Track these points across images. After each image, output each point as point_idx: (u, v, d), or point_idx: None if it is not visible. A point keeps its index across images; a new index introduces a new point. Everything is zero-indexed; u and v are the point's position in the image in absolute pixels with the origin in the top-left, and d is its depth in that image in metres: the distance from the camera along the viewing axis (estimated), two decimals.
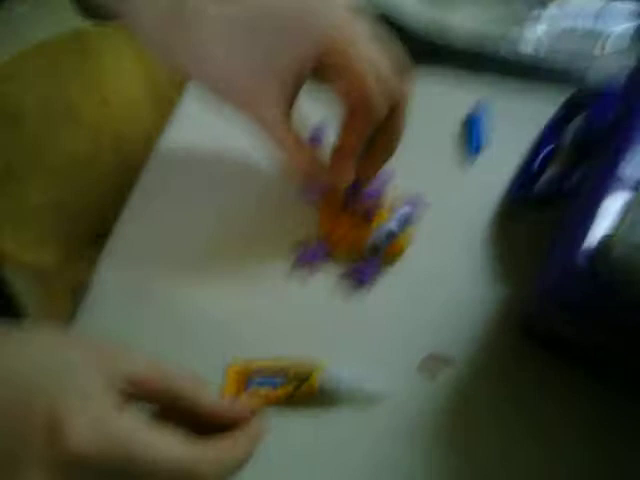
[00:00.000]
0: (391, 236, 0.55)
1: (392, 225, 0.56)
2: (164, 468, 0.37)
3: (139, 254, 0.58)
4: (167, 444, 0.37)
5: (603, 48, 0.72)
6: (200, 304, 0.55)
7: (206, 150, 0.65)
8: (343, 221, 0.57)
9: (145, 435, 0.37)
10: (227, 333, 0.54)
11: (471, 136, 0.64)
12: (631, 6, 0.74)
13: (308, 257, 0.56)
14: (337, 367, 0.50)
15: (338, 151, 0.53)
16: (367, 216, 0.56)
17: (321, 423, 0.50)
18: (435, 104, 0.65)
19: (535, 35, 0.72)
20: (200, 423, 0.43)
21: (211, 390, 0.43)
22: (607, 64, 0.70)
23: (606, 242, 0.44)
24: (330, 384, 0.50)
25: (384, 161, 0.55)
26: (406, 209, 0.57)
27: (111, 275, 0.57)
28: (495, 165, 0.63)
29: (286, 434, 0.49)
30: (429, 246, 0.58)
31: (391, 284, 0.56)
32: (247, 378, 0.51)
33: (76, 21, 0.58)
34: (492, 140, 0.65)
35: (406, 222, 0.56)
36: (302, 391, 0.50)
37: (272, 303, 0.55)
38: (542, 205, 0.58)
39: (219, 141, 0.65)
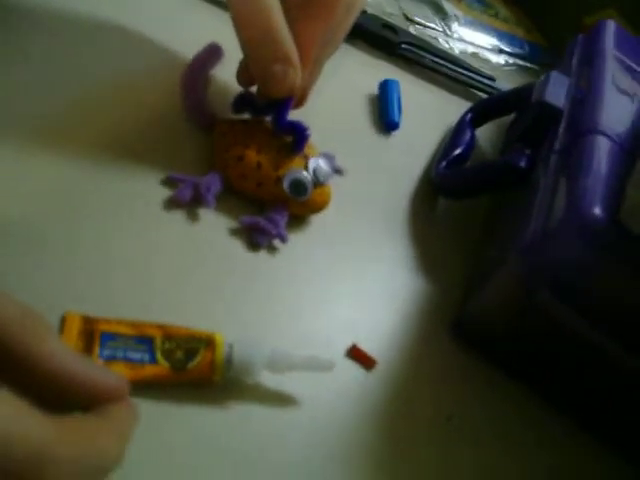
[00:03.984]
0: (320, 178, 0.42)
1: (322, 164, 0.42)
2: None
3: None
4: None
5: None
6: (33, 229, 0.36)
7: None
8: (253, 147, 0.42)
9: None
10: (67, 279, 0.35)
11: (386, 111, 0.54)
12: None
13: (200, 189, 0.40)
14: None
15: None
16: (294, 147, 0.42)
17: (218, 424, 0.33)
18: (347, 78, 0.56)
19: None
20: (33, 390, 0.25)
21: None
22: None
23: None
24: (240, 363, 0.33)
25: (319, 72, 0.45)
26: (325, 160, 0.44)
27: None
28: (409, 144, 0.54)
29: (161, 434, 0.32)
30: (343, 218, 0.45)
31: (300, 250, 0.42)
32: (99, 335, 0.33)
33: None
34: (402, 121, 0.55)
35: (325, 175, 0.43)
36: (196, 371, 0.33)
37: (137, 250, 0.38)
38: (471, 191, 0.49)
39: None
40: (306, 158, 0.42)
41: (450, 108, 0.59)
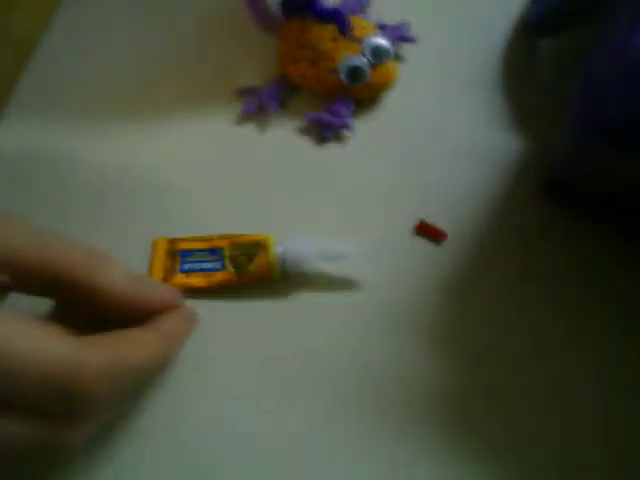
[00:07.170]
0: (379, 58, 0.42)
1: (378, 42, 0.42)
2: (29, 374, 0.24)
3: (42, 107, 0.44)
4: (34, 342, 0.25)
5: None
6: (115, 167, 0.42)
7: None
8: (307, 46, 0.43)
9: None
10: (150, 202, 0.41)
11: None
12: None
13: (262, 98, 0.43)
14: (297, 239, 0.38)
15: None
16: (339, 31, 0.42)
17: (285, 313, 0.37)
18: None
19: None
20: (108, 320, 0.31)
21: (126, 268, 0.31)
22: None
23: None
24: (293, 258, 0.37)
25: None
26: (383, 36, 0.43)
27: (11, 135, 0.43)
28: None
29: (234, 329, 0.37)
30: (417, 86, 0.45)
31: (369, 133, 0.43)
32: (179, 253, 0.39)
33: None
34: None
35: (383, 53, 0.42)
36: (256, 271, 0.37)
37: (210, 163, 0.42)
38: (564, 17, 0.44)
39: None
40: (360, 40, 0.42)
41: None
